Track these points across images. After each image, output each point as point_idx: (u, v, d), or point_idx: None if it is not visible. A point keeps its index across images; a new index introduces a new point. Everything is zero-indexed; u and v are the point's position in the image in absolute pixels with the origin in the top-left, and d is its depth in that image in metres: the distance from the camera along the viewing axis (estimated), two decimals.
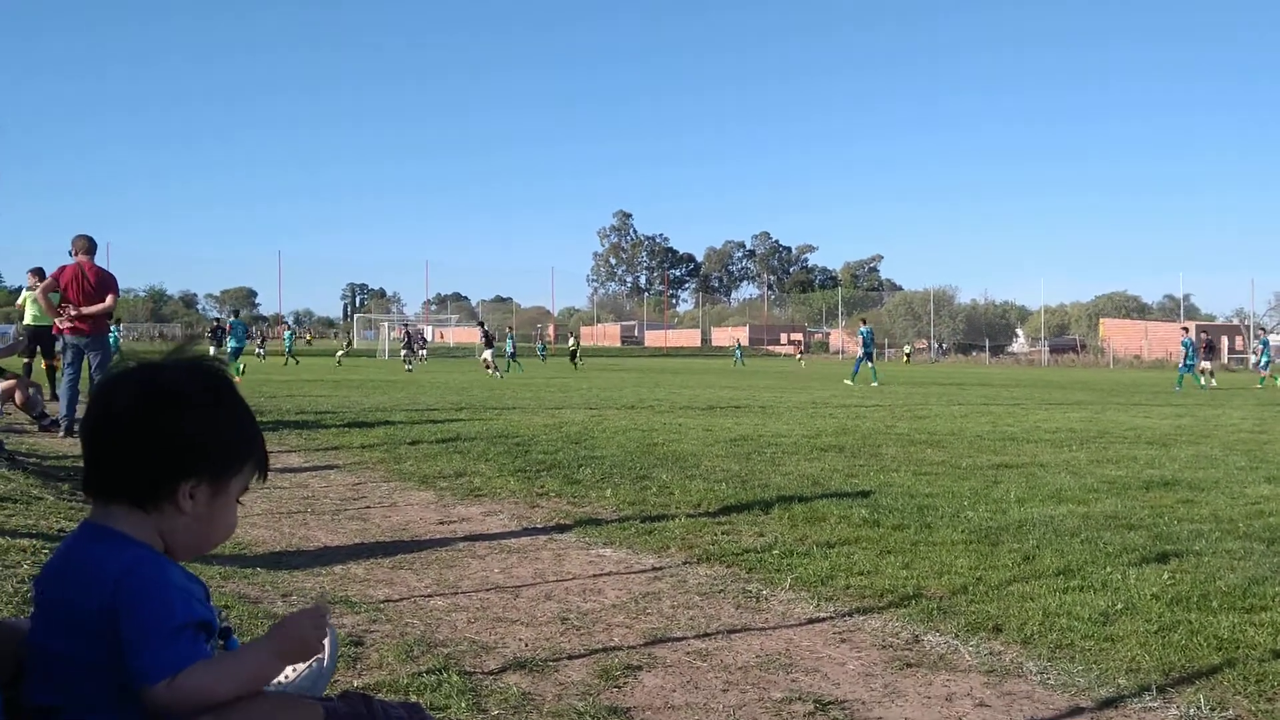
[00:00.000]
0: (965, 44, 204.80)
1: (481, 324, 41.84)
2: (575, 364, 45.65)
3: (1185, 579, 4.38)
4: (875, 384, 27.16)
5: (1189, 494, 6.96)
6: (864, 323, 31.59)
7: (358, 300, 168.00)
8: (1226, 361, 71.28)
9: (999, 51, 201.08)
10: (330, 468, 8.16)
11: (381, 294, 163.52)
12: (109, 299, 10.30)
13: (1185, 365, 30.12)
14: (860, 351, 29.05)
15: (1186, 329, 32.81)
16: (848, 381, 27.95)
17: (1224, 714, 2.87)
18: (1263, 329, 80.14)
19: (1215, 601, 4.00)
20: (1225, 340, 78.78)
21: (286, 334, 46.74)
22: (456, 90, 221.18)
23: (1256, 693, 3.02)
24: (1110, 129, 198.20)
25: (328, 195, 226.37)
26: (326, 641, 2.21)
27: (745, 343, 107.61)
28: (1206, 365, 30.95)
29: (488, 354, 33.47)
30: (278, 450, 9.39)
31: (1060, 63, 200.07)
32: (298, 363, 40.92)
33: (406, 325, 52.14)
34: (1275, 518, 6.00)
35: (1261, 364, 33.48)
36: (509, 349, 41.05)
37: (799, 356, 74.10)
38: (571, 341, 50.76)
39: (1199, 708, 2.92)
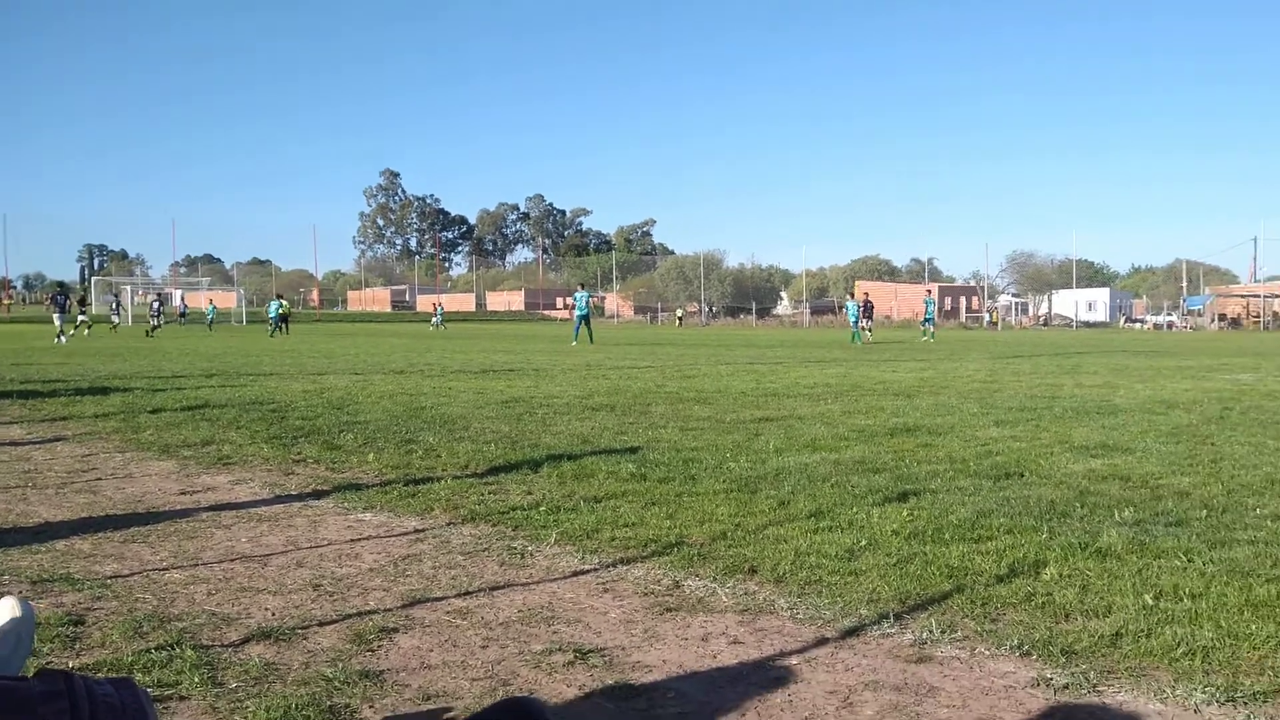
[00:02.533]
0: (730, 14, 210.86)
1: (60, 286, 37.30)
2: (284, 331, 42.20)
3: (922, 515, 4.69)
4: (858, 344, 30.62)
5: (928, 438, 7.48)
6: (851, 296, 37.26)
7: (96, 263, 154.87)
8: (965, 320, 77.58)
9: (764, 20, 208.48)
10: (57, 439, 7.45)
11: (123, 256, 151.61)
12: None
13: (926, 320, 36.98)
14: (576, 314, 31.36)
15: (930, 290, 38.53)
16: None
17: (954, 635, 3.07)
18: (996, 289, 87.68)
19: (947, 534, 4.29)
20: (964, 300, 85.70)
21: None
22: (201, 32, 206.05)
23: (983, 614, 3.25)
24: (857, 103, 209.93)
25: (57, 148, 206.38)
26: (20, 614, 1.97)
27: (521, 307, 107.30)
28: (867, 323, 35.61)
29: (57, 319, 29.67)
30: None
31: (814, 33, 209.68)
32: None
33: (157, 291, 48.51)
34: (1002, 457, 6.53)
35: (925, 320, 38.81)
36: (271, 313, 39.81)
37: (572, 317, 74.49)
38: (282, 305, 45.68)
39: (931, 630, 3.11)
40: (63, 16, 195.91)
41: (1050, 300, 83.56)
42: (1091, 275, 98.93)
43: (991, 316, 73.36)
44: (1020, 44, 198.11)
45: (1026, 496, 5.15)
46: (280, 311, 43.46)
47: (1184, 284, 78.68)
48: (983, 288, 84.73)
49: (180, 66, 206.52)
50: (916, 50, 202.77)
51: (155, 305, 43.07)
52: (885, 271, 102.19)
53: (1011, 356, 22.27)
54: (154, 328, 39.02)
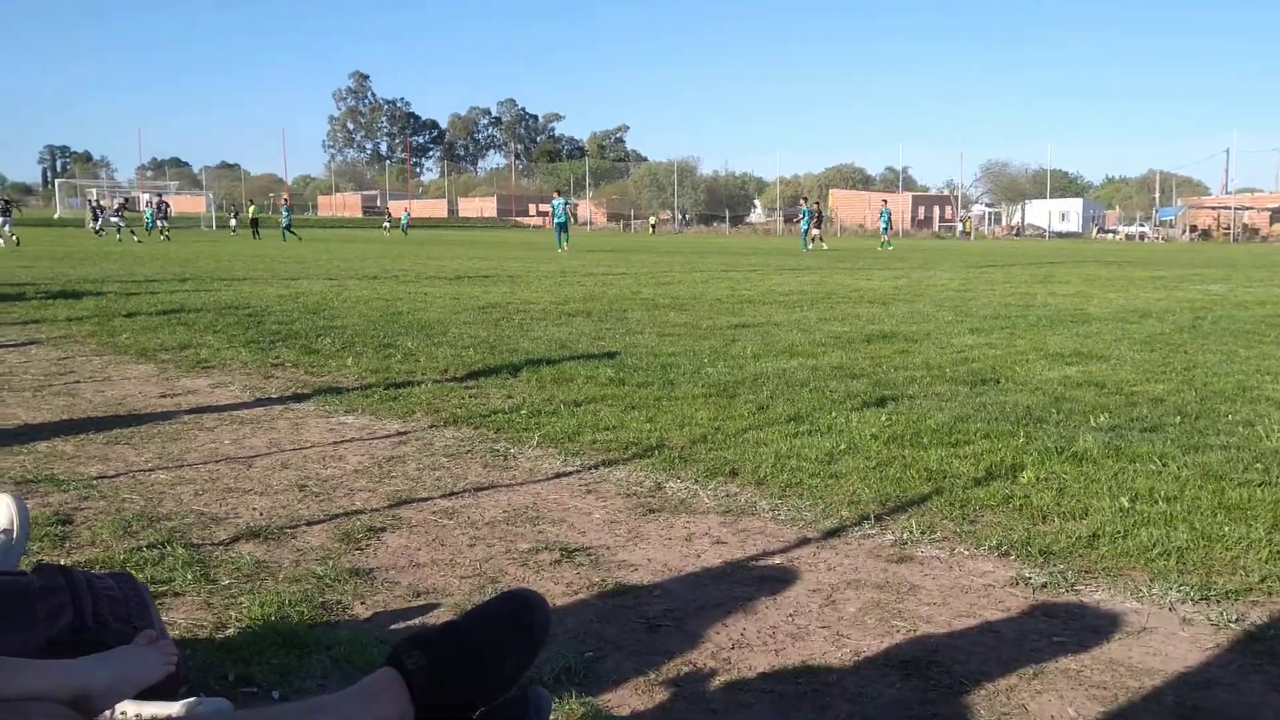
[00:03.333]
0: None
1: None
2: (256, 236, 42.31)
3: (900, 420, 4.75)
4: (806, 251, 31.08)
5: (905, 345, 7.54)
6: (804, 201, 38.51)
7: (59, 164, 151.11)
8: (938, 229, 77.59)
9: None
10: (31, 343, 7.36)
11: (87, 158, 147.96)
12: None
13: (884, 230, 39.20)
14: (555, 222, 32.41)
15: (885, 201, 41.69)
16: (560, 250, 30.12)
17: (933, 536, 3.14)
18: (970, 199, 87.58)
19: (926, 438, 4.36)
20: (937, 209, 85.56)
21: None
22: None
23: (960, 516, 3.32)
24: (835, 9, 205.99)
25: (19, 42, 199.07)
26: (14, 511, 1.97)
27: (494, 214, 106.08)
28: (816, 232, 37.50)
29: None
30: None
31: None
32: None
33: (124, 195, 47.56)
34: (978, 364, 6.61)
35: (882, 229, 40.46)
36: (285, 221, 40.60)
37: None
38: (251, 209, 46.67)
39: (911, 531, 3.17)
40: None
41: (1023, 210, 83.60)
42: (1065, 185, 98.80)
43: (965, 226, 73.45)
44: None
45: (1003, 402, 5.22)
46: (254, 215, 43.42)
47: (1156, 195, 78.92)
48: (956, 197, 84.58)
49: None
50: None
51: (117, 208, 42.18)
52: (859, 180, 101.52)
53: (985, 266, 22.37)
54: (113, 228, 38.30)
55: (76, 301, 10.27)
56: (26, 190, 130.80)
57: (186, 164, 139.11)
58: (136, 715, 1.52)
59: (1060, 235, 73.75)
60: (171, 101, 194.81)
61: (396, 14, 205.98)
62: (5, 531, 1.94)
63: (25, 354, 6.86)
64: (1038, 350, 7.31)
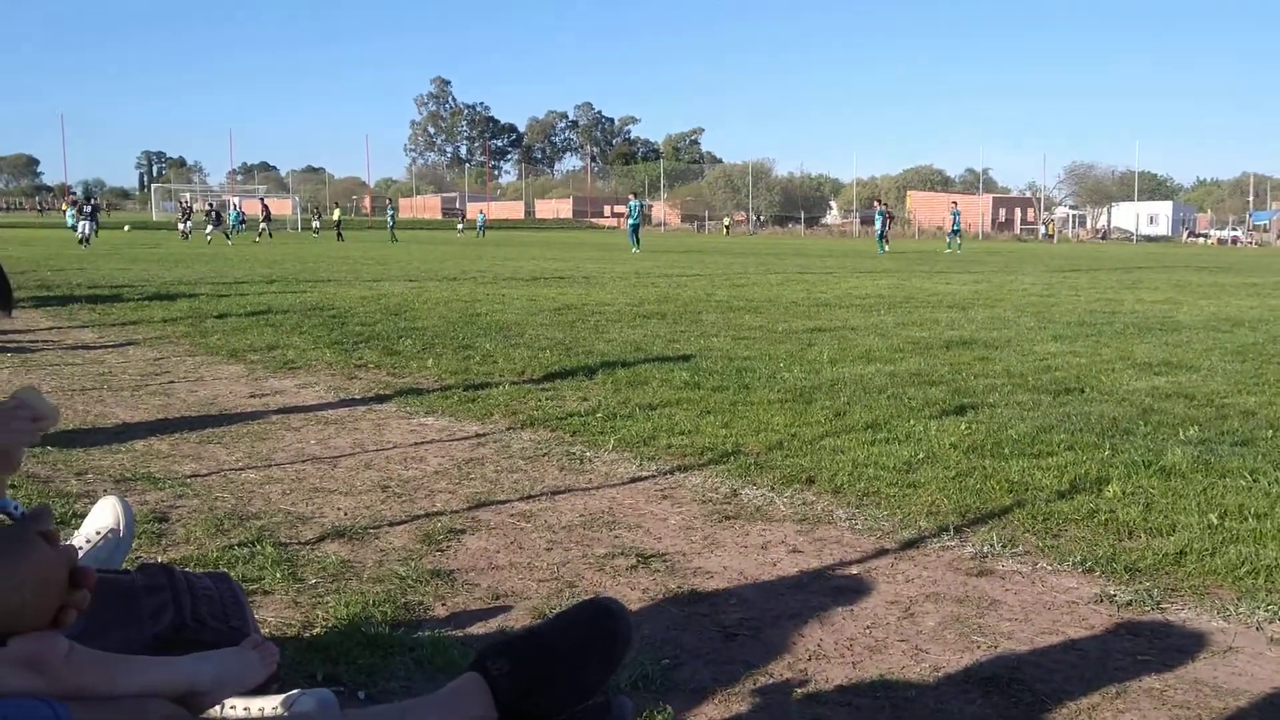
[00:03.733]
0: None
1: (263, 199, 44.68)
2: (340, 238, 43.18)
3: (980, 429, 4.68)
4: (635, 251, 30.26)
5: (985, 352, 7.41)
6: (878, 203, 38.33)
7: (155, 169, 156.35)
8: (1019, 232, 76.00)
9: None
10: (129, 343, 7.65)
11: (181, 163, 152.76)
12: None
13: (954, 231, 38.49)
14: (629, 223, 33.35)
15: (955, 202, 42.52)
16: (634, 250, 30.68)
17: (1014, 549, 3.10)
18: (1053, 201, 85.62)
19: (1007, 449, 4.29)
20: (1019, 211, 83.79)
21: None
22: None
23: (1043, 529, 3.27)
24: (913, 9, 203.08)
25: (119, 53, 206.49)
26: (120, 511, 2.07)
27: (569, 215, 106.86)
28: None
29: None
30: (68, 326, 8.74)
31: None
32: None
33: (213, 198, 49.27)
34: (1061, 372, 6.47)
35: (953, 231, 39.83)
36: (390, 222, 41.89)
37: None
38: (336, 213, 47.63)
39: (991, 544, 3.13)
40: None
41: (1110, 213, 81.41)
42: (1154, 188, 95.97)
43: (1048, 229, 71.81)
44: None
45: (1088, 413, 5.11)
46: (338, 218, 44.55)
47: (1250, 198, 76.19)
48: (1039, 199, 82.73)
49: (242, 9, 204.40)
50: None
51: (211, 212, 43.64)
52: (938, 181, 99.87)
53: (1069, 270, 21.85)
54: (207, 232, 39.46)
55: (171, 303, 10.63)
56: (124, 195, 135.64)
57: (274, 168, 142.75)
58: (245, 709, 1.59)
59: (1149, 239, 71.67)
60: (262, 107, 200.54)
61: (478, 22, 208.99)
62: (113, 531, 2.04)
63: (124, 354, 7.12)
64: (1124, 359, 7.13)
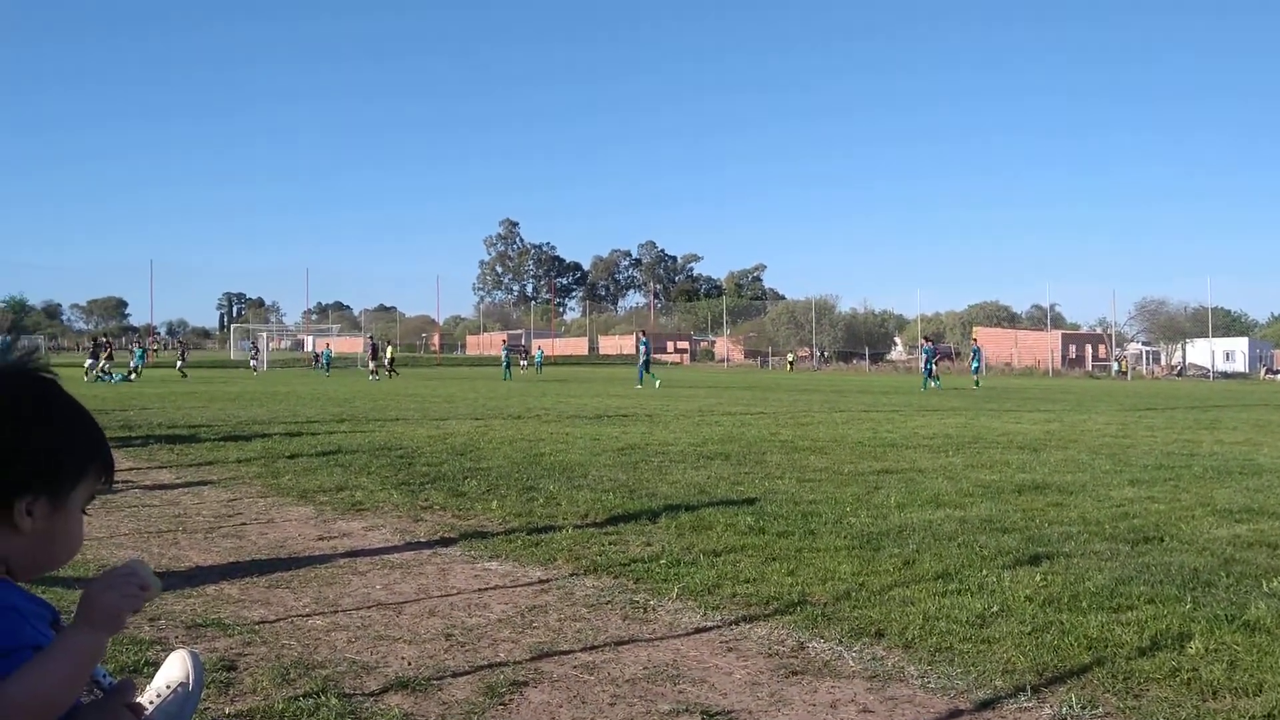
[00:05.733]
0: (838, 65, 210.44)
1: (371, 338, 47.33)
2: (394, 373, 43.90)
3: (1056, 580, 4.54)
4: (639, 386, 30.70)
5: (1059, 497, 7.24)
6: (926, 341, 38.37)
7: (235, 310, 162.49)
8: (1091, 368, 74.86)
9: (869, 72, 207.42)
10: (204, 484, 7.84)
11: (260, 303, 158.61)
12: None
13: (926, 368, 35.93)
14: (641, 358, 33.50)
15: (976, 339, 40.39)
16: (637, 386, 31.18)
17: (1095, 712, 2.97)
18: (1125, 337, 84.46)
19: (1085, 602, 4.15)
20: (1089, 348, 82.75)
21: (138, 351, 44.53)
22: (339, 111, 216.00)
23: (1125, 690, 3.14)
24: (978, 145, 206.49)
25: (203, 200, 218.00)
26: (190, 666, 2.10)
27: (632, 350, 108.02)
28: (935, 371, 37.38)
29: (371, 364, 39.07)
30: (147, 467, 8.98)
31: (926, 84, 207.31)
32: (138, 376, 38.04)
33: (371, 337, 50.98)
34: (1139, 520, 6.28)
35: (974, 368, 39.24)
36: (505, 361, 44.02)
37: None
38: (390, 350, 48.17)
39: (1071, 706, 3.01)
40: (207, 91, 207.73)
41: (1184, 349, 79.97)
42: (1229, 324, 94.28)
43: (1121, 365, 70.63)
44: (1149, 85, 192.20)
45: (1167, 563, 4.94)
46: (391, 355, 45.64)
47: None
48: (1110, 335, 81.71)
49: (314, 137, 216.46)
50: (1036, 83, 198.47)
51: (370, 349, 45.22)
52: (1004, 317, 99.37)
53: (1144, 409, 21.39)
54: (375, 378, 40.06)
55: (245, 443, 10.90)
56: (205, 334, 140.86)
57: (348, 307, 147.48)
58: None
59: (1225, 376, 70.04)
60: (338, 250, 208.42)
61: (545, 165, 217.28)
62: (182, 685, 2.06)
63: (199, 495, 7.30)
64: (1204, 505, 6.91)
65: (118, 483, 7.85)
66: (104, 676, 1.45)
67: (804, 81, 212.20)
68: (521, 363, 60.86)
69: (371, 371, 41.71)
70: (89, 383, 30.36)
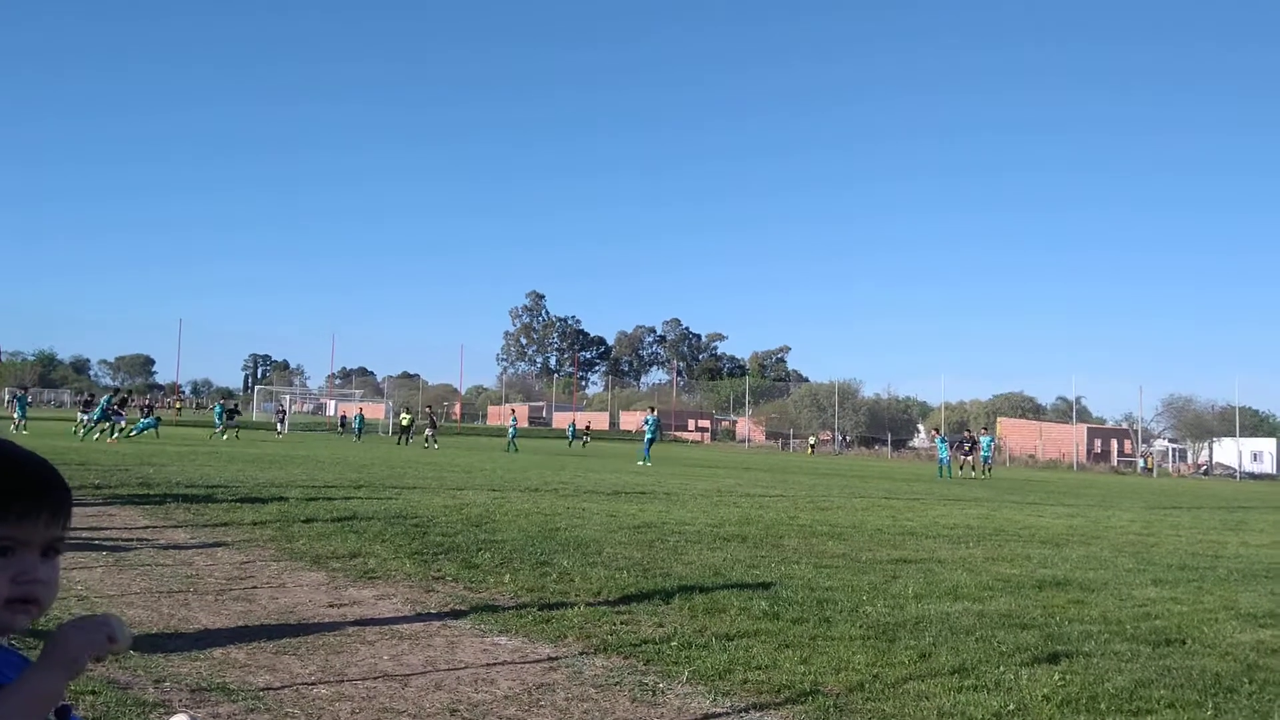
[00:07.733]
0: (867, 137, 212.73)
1: (429, 408, 49.39)
2: (405, 442, 43.94)
3: (1075, 680, 4.45)
4: (641, 464, 30.13)
5: (1080, 594, 7.11)
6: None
7: (259, 371, 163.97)
8: (1116, 464, 73.98)
9: (899, 146, 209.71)
10: (218, 545, 7.83)
11: (285, 366, 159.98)
12: None
13: (942, 459, 37.63)
14: (647, 435, 33.75)
15: (986, 429, 45.46)
16: (640, 463, 30.78)
17: None
18: (1151, 434, 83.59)
19: (1103, 704, 4.06)
20: (1115, 443, 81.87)
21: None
22: (368, 165, 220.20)
23: None
24: (1005, 233, 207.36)
25: (231, 261, 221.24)
26: None
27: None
28: (968, 460, 40.42)
29: (428, 431, 41.78)
30: (163, 525, 9.00)
31: (949, 188, 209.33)
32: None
33: (430, 407, 51.58)
34: (1161, 620, 6.16)
35: (984, 459, 39.89)
36: (512, 433, 44.05)
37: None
38: (407, 417, 48.06)
39: None
40: (227, 153, 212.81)
41: (1211, 448, 78.97)
42: (1256, 424, 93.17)
43: (1147, 462, 69.82)
44: (1173, 181, 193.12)
45: (1189, 667, 4.83)
46: (404, 423, 45.90)
47: None
48: (1136, 431, 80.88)
49: (352, 221, 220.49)
50: (1062, 180, 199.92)
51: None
52: (1029, 409, 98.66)
53: (1169, 507, 21.07)
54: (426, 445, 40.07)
55: (262, 506, 10.90)
56: (228, 394, 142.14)
57: (372, 373, 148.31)
58: None
59: (1253, 476, 69.02)
60: (363, 316, 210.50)
61: (572, 241, 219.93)
62: None
63: (212, 556, 7.29)
64: (1228, 609, 6.77)
65: (132, 540, 7.86)
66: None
67: (838, 181, 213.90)
68: (569, 441, 60.39)
69: (431, 438, 42.07)
70: (80, 437, 30.22)
